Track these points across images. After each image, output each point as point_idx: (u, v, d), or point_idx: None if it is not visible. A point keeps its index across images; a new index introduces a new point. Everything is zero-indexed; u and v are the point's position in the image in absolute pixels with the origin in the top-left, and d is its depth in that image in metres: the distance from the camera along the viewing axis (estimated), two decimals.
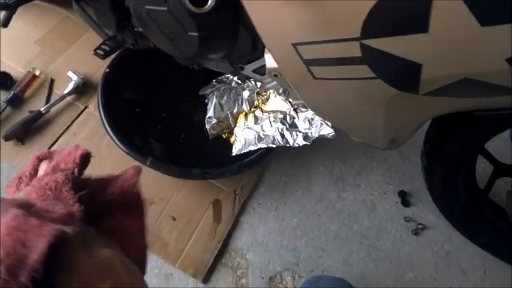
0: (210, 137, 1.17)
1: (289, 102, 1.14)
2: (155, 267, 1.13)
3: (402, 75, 0.52)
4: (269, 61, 0.71)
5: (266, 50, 0.72)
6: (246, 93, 1.17)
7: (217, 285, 1.14)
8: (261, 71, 0.83)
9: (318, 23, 0.51)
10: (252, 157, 1.09)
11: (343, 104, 0.69)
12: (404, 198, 1.27)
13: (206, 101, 1.19)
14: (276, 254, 1.19)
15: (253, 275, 1.16)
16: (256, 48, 0.78)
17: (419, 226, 1.22)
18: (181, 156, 1.13)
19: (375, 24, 0.47)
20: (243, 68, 0.84)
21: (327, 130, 1.04)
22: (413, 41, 0.46)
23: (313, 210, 1.25)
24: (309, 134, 1.08)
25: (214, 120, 1.16)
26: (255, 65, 0.82)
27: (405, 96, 0.58)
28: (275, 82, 0.80)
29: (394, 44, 0.48)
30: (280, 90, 0.80)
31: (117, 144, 1.02)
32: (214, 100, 1.17)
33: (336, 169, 1.33)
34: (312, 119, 1.09)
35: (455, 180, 0.95)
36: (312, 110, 0.78)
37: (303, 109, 1.12)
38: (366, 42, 0.50)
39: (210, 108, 1.17)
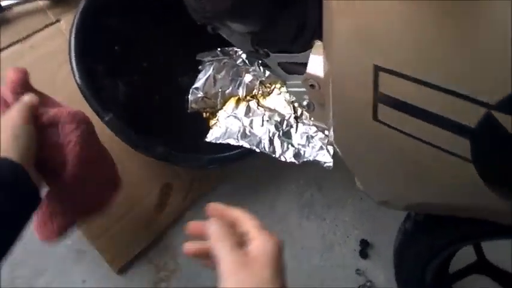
0: (188, 111, 0.97)
1: (294, 107, 0.96)
2: (68, 239, 0.92)
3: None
4: (314, 65, 0.53)
5: (316, 51, 0.54)
6: (248, 77, 0.98)
7: (131, 281, 0.95)
8: (289, 68, 0.64)
9: (446, 57, 0.33)
10: (227, 154, 0.90)
11: (385, 157, 0.52)
12: (364, 249, 1.16)
13: (200, 68, 0.98)
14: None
15: (177, 282, 0.99)
16: (297, 42, 0.59)
17: (368, 283, 1.12)
18: (148, 122, 0.91)
19: None
20: (268, 55, 0.64)
21: (325, 158, 0.88)
22: None
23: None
24: (301, 152, 0.91)
25: (200, 94, 0.96)
26: (284, 58, 0.63)
27: (483, 193, 0.42)
28: (303, 89, 0.61)
29: None
30: (304, 102, 0.62)
31: (76, 82, 0.79)
32: (210, 71, 0.96)
33: (307, 193, 1.17)
34: (312, 137, 0.92)
35: (432, 259, 0.84)
36: (332, 141, 0.61)
37: (305, 121, 0.94)
38: (497, 115, 0.32)
39: (201, 78, 0.96)
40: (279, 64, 0.65)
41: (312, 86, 0.55)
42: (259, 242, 0.42)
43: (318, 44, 0.54)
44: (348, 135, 0.54)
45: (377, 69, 0.38)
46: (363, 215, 1.20)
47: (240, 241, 0.43)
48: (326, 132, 0.65)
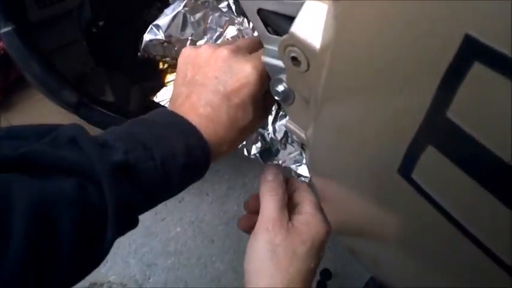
0: (139, 54, 0.70)
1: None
2: None
3: None
4: (307, 22, 0.27)
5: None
6: (231, 31, 0.70)
7: None
8: (273, 21, 0.38)
9: None
10: None
11: (386, 230, 0.27)
12: (324, 280, 0.97)
13: (171, 0, 0.70)
14: (124, 258, 0.79)
15: None
16: None
17: None
18: (74, 55, 0.64)
19: None
20: None
21: (303, 171, 0.63)
22: None
23: (209, 230, 0.86)
24: (272, 152, 0.67)
25: (160, 36, 0.68)
26: (268, 3, 0.37)
27: None
28: (277, 62, 0.36)
29: None
30: (280, 87, 0.37)
31: None
32: (180, 8, 0.68)
33: None
34: (294, 140, 0.66)
35: None
36: (308, 166, 0.36)
37: (285, 119, 0.69)
38: None
39: (166, 15, 0.68)
40: (259, 12, 0.39)
41: (294, 59, 0.29)
42: (311, 219, 0.40)
43: None
44: (334, 172, 0.29)
45: (470, 51, 0.13)
46: (333, 238, 0.97)
47: (289, 205, 0.41)
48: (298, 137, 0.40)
